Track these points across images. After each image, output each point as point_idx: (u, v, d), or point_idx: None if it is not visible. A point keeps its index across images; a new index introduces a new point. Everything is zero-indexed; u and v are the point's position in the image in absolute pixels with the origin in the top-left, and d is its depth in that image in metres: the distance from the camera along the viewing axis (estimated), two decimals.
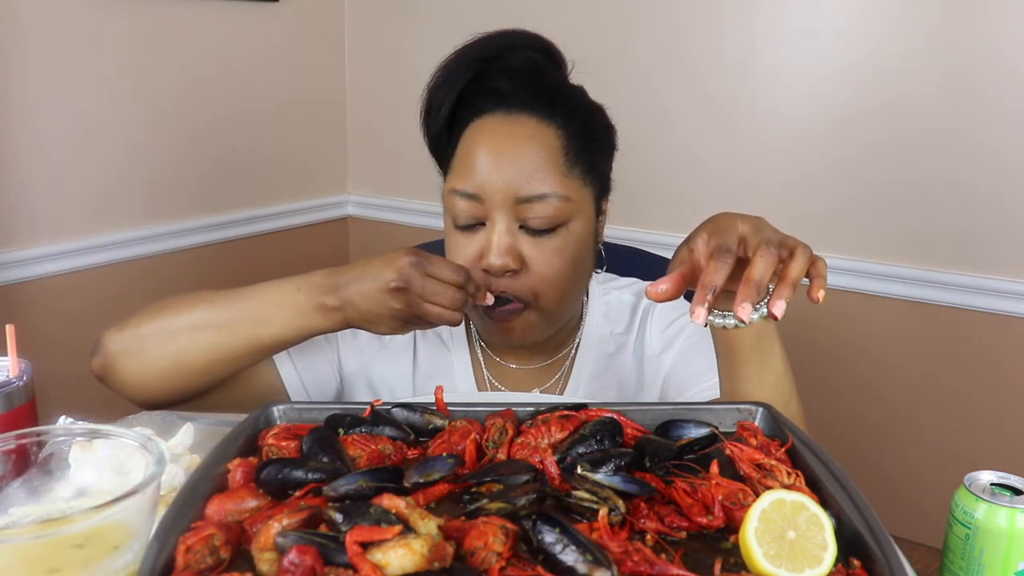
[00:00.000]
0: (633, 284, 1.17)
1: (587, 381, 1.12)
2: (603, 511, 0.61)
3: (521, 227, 0.97)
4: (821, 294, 0.75)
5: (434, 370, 1.12)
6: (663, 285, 0.77)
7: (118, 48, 1.93)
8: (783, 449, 0.73)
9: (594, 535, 0.58)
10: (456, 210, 0.98)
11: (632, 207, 2.12)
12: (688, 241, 0.80)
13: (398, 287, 0.90)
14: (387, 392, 1.10)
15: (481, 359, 1.13)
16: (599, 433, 0.75)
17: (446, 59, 1.02)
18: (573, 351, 1.13)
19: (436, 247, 1.35)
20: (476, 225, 0.98)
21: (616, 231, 2.07)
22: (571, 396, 1.11)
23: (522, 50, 1.02)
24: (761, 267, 0.72)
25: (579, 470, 0.68)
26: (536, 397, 1.11)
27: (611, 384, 1.11)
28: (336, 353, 1.11)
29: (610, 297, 1.15)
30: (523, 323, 1.00)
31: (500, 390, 1.11)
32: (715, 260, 0.73)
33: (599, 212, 1.05)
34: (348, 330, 1.04)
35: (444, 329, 1.12)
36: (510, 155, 0.95)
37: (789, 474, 0.69)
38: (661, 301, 0.77)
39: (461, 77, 1.00)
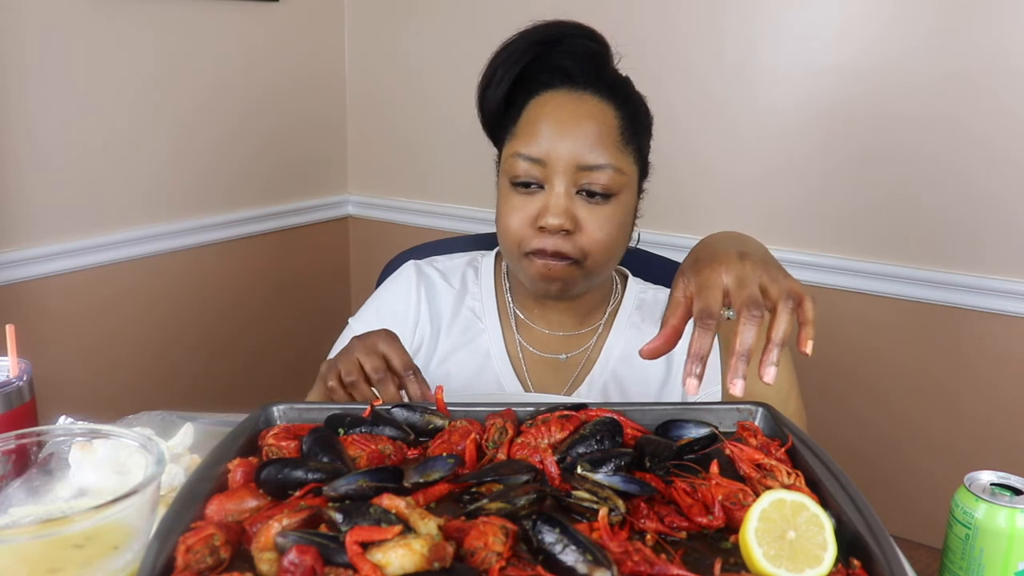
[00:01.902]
0: (664, 289, 1.24)
1: (617, 360, 1.16)
2: (603, 511, 0.61)
3: (577, 192, 1.04)
4: (809, 346, 0.77)
5: (464, 341, 1.18)
6: (654, 343, 0.80)
7: (117, 49, 1.93)
8: (783, 449, 0.73)
9: (594, 535, 0.58)
10: (518, 170, 1.05)
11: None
12: (675, 287, 0.83)
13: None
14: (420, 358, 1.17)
15: (514, 324, 1.18)
16: (599, 433, 0.75)
17: (508, 39, 1.09)
18: (601, 327, 1.19)
19: (436, 247, 1.36)
20: (533, 186, 1.05)
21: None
22: (600, 371, 1.16)
23: (580, 38, 1.09)
24: (747, 338, 0.74)
25: (579, 470, 0.68)
26: (536, 397, 1.11)
27: (639, 366, 1.14)
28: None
29: (646, 295, 1.22)
30: (566, 272, 1.06)
31: (531, 351, 1.17)
32: (699, 329, 0.76)
33: (640, 191, 1.13)
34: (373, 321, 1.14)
35: (476, 303, 1.20)
36: (575, 127, 1.03)
37: (789, 474, 0.69)
38: (652, 359, 0.81)
39: (524, 56, 1.07)
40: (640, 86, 1.12)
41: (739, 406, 0.82)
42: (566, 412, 0.79)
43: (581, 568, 0.55)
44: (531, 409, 0.80)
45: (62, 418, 0.88)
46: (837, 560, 0.57)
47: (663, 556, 0.58)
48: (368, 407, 0.81)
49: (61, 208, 1.89)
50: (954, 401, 1.85)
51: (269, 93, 2.29)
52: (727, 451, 0.74)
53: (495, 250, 1.25)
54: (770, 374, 0.74)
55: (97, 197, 1.95)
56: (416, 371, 0.91)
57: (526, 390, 1.15)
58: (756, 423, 0.80)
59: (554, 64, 1.07)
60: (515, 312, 1.19)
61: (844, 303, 1.93)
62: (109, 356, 2.02)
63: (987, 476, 0.77)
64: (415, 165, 2.39)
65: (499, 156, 1.12)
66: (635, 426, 0.78)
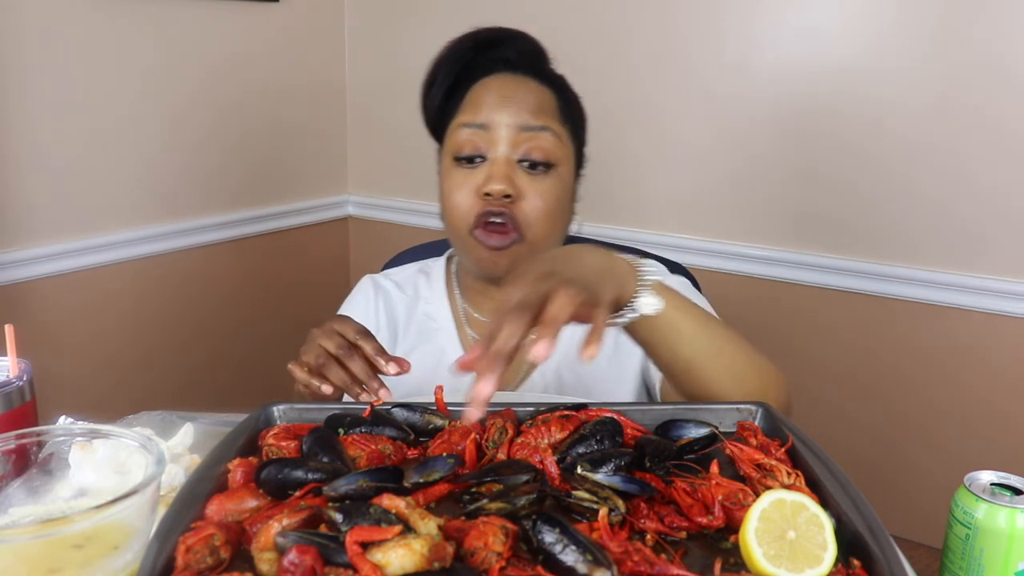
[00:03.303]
0: None
1: (567, 341, 1.10)
2: (603, 511, 0.61)
3: (519, 162, 1.07)
4: (591, 351, 0.68)
5: (420, 341, 1.20)
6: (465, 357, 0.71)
7: (118, 49, 1.93)
8: (783, 449, 0.73)
9: (594, 535, 0.58)
10: (461, 142, 1.09)
11: (636, 207, 2.12)
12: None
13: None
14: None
15: (465, 320, 1.21)
16: (599, 433, 0.75)
17: (449, 42, 1.15)
18: None
19: (435, 247, 1.36)
20: (476, 159, 1.08)
21: (617, 231, 2.08)
22: (551, 357, 1.12)
23: (518, 40, 1.15)
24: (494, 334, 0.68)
25: (579, 470, 0.68)
26: (536, 397, 1.11)
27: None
28: None
29: None
30: (512, 253, 1.08)
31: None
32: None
33: (577, 175, 1.16)
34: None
35: (429, 306, 1.23)
36: (517, 96, 1.09)
37: (789, 474, 0.69)
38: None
39: (465, 54, 1.13)
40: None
41: (739, 406, 0.82)
42: (566, 412, 0.79)
43: (581, 568, 0.55)
44: (531, 409, 0.80)
45: (62, 418, 0.88)
46: (837, 560, 0.57)
47: (663, 556, 0.58)
48: (368, 407, 0.81)
49: (61, 208, 1.89)
50: (954, 401, 1.85)
51: (269, 93, 2.29)
52: (727, 451, 0.74)
53: (445, 254, 1.29)
54: (540, 349, 0.65)
55: (97, 197, 1.95)
56: (365, 332, 0.93)
57: None
58: (756, 423, 0.80)
59: (496, 57, 1.13)
60: (464, 308, 1.22)
61: (844, 303, 1.93)
62: (109, 356, 2.02)
63: (987, 476, 0.77)
64: (415, 165, 2.39)
65: (440, 151, 1.16)
66: (635, 426, 0.78)
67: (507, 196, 1.06)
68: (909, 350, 1.89)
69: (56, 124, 1.85)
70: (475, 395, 0.65)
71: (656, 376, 1.11)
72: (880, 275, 1.87)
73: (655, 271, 0.84)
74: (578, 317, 0.71)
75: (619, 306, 0.82)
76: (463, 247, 1.12)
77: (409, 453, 0.76)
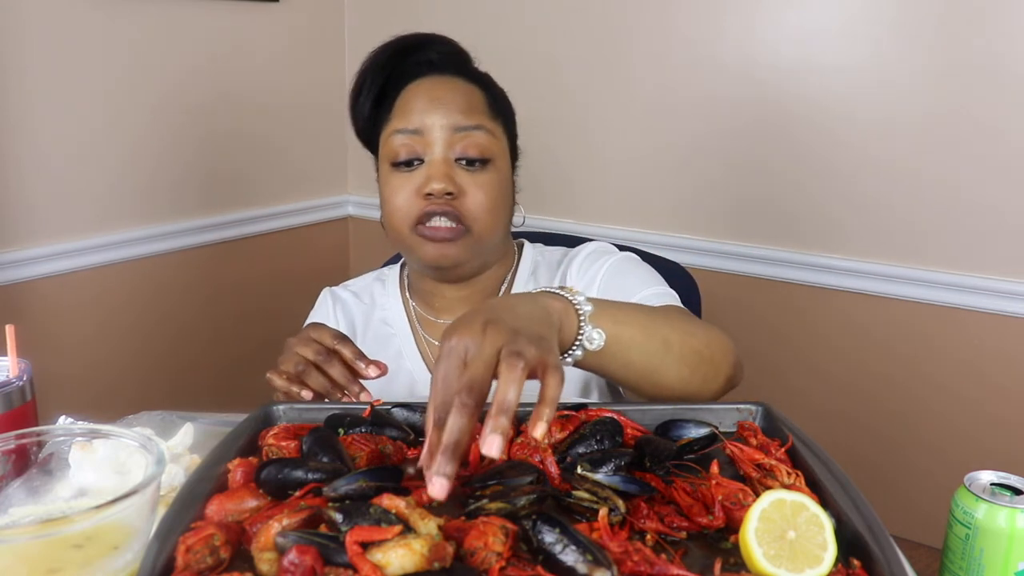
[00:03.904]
0: (563, 249, 1.26)
1: None
2: (603, 511, 0.61)
3: (456, 161, 1.09)
4: (540, 429, 0.64)
5: (377, 347, 1.21)
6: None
7: (118, 48, 1.93)
8: (783, 449, 0.73)
9: (594, 535, 0.59)
10: (396, 148, 1.10)
11: (635, 206, 2.12)
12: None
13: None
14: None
15: (419, 324, 1.23)
16: (599, 433, 0.75)
17: (371, 52, 1.17)
18: None
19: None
20: (414, 162, 1.10)
21: (613, 231, 2.08)
22: None
23: (439, 43, 1.18)
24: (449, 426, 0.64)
25: (579, 470, 0.68)
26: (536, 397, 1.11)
27: None
28: None
29: (541, 257, 1.25)
30: (458, 247, 1.10)
31: (433, 343, 1.20)
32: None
33: (513, 168, 1.19)
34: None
35: (386, 312, 1.25)
36: (447, 98, 1.10)
37: (789, 474, 0.69)
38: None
39: (389, 61, 1.15)
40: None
41: (739, 406, 0.82)
42: (566, 412, 0.79)
43: (581, 568, 0.55)
44: (531, 409, 0.80)
45: (62, 418, 0.88)
46: (837, 560, 0.57)
47: (663, 556, 0.58)
48: (368, 407, 0.81)
49: (61, 208, 1.89)
50: (955, 401, 1.85)
51: (269, 93, 2.30)
52: (727, 451, 0.74)
53: (400, 262, 1.31)
54: (494, 445, 0.62)
55: (97, 197, 1.95)
56: (342, 337, 0.95)
57: None
58: (756, 423, 0.81)
59: (420, 60, 1.15)
60: (416, 310, 1.24)
61: (844, 303, 1.93)
62: (109, 356, 2.02)
63: (987, 476, 0.77)
64: None
65: (376, 158, 1.17)
66: (635, 426, 0.78)
67: (449, 194, 1.07)
68: (909, 350, 1.89)
69: (57, 124, 1.85)
70: (434, 490, 0.60)
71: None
72: (880, 275, 1.87)
73: (583, 299, 0.81)
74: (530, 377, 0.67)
75: (564, 347, 0.79)
76: (409, 247, 1.13)
77: (409, 453, 0.76)
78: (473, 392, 0.64)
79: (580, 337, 0.79)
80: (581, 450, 0.73)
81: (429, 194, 1.07)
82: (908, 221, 1.83)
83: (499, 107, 1.16)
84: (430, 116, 1.09)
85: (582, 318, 0.79)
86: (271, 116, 2.31)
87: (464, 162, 1.09)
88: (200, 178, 2.16)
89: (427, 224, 1.08)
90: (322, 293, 1.31)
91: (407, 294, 1.26)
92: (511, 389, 0.64)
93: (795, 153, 1.92)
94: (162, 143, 2.06)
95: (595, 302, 0.81)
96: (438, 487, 0.60)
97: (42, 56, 1.80)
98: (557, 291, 0.81)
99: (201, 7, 2.08)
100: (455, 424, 0.62)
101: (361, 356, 0.93)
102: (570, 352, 0.80)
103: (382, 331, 1.24)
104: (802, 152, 1.91)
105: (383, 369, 0.92)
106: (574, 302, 0.80)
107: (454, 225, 1.08)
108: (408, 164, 1.10)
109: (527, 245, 1.27)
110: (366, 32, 2.46)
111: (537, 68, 2.09)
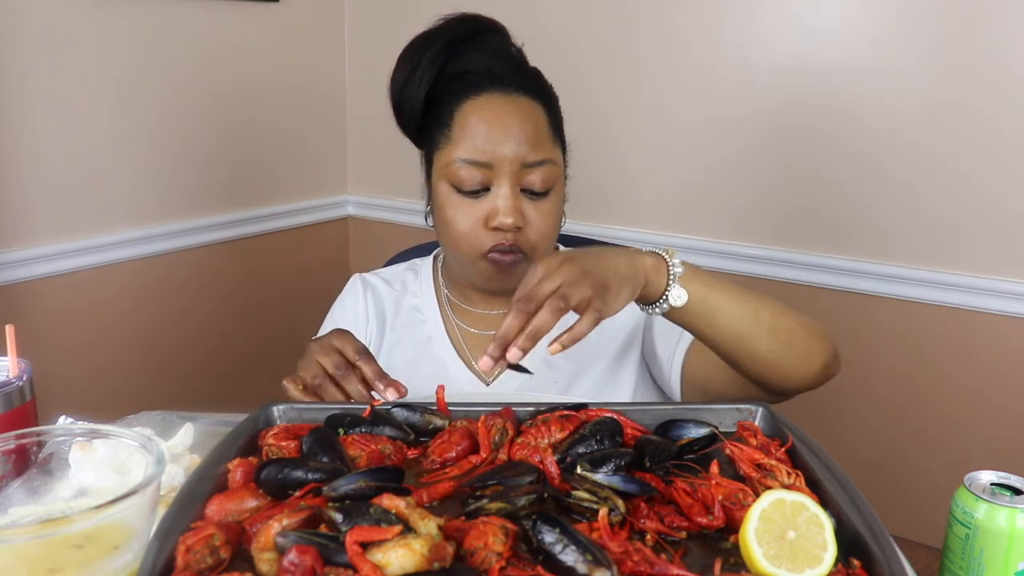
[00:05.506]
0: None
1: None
2: (603, 511, 0.61)
3: (521, 190, 1.10)
4: (553, 348, 0.81)
5: (407, 332, 1.24)
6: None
7: (118, 48, 1.93)
8: (783, 449, 0.73)
9: (594, 535, 0.59)
10: (461, 177, 1.09)
11: (634, 206, 2.12)
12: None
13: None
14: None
15: (451, 311, 1.23)
16: (599, 433, 0.75)
17: (417, 38, 1.14)
18: None
19: (434, 247, 1.36)
20: (480, 191, 1.09)
21: (614, 231, 2.08)
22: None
23: (495, 42, 1.15)
24: (504, 324, 0.82)
25: (579, 470, 0.68)
26: (536, 397, 1.11)
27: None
28: None
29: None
30: (516, 275, 1.09)
31: (471, 332, 1.21)
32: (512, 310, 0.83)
33: (565, 179, 1.19)
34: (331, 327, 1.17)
35: (417, 299, 1.26)
36: (515, 128, 1.09)
37: (789, 474, 0.69)
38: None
39: (441, 54, 1.12)
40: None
41: (739, 406, 0.82)
42: (566, 412, 0.79)
43: (581, 568, 0.55)
44: (531, 409, 0.80)
45: (62, 418, 0.88)
46: (837, 560, 0.57)
47: (663, 556, 0.58)
48: (368, 407, 0.81)
49: (61, 208, 1.89)
50: (955, 401, 1.85)
51: (269, 93, 2.29)
52: (727, 451, 0.74)
53: (432, 253, 1.31)
54: (512, 355, 0.79)
55: (97, 197, 1.95)
56: (365, 353, 0.93)
57: (468, 368, 1.18)
58: (756, 423, 0.81)
59: (478, 64, 1.12)
60: (450, 299, 1.24)
61: (844, 303, 1.93)
62: (109, 356, 2.02)
63: (987, 476, 0.77)
64: (415, 165, 2.38)
65: (426, 156, 1.18)
66: (635, 426, 0.78)
67: (517, 228, 1.09)
68: (909, 350, 1.88)
69: (57, 124, 1.85)
70: (508, 355, 0.79)
71: (668, 361, 1.12)
72: (880, 275, 1.87)
73: (678, 262, 0.91)
74: (578, 310, 0.81)
75: (651, 300, 0.90)
76: (471, 267, 1.13)
77: (409, 453, 0.76)
78: (530, 303, 0.80)
79: (667, 293, 0.90)
80: (581, 450, 0.73)
81: (497, 228, 1.08)
82: (908, 221, 1.84)
83: (557, 122, 1.15)
84: (499, 149, 1.07)
85: (672, 278, 0.90)
86: (271, 116, 2.31)
87: (529, 192, 1.10)
88: (200, 178, 2.16)
89: (491, 255, 1.10)
90: (352, 279, 1.30)
91: (440, 280, 1.27)
92: (544, 323, 0.79)
93: (794, 153, 1.92)
94: (161, 143, 2.06)
95: (689, 266, 0.91)
96: (515, 354, 0.79)
97: (42, 56, 1.80)
98: (656, 250, 0.92)
99: (201, 7, 2.08)
100: (507, 320, 0.80)
101: (381, 376, 0.90)
102: (657, 304, 0.91)
103: (413, 317, 1.25)
104: (797, 152, 1.92)
105: (402, 392, 0.89)
106: (669, 262, 0.91)
107: (517, 255, 1.10)
108: (473, 193, 1.09)
109: (559, 247, 1.28)
110: (366, 31, 2.45)
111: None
